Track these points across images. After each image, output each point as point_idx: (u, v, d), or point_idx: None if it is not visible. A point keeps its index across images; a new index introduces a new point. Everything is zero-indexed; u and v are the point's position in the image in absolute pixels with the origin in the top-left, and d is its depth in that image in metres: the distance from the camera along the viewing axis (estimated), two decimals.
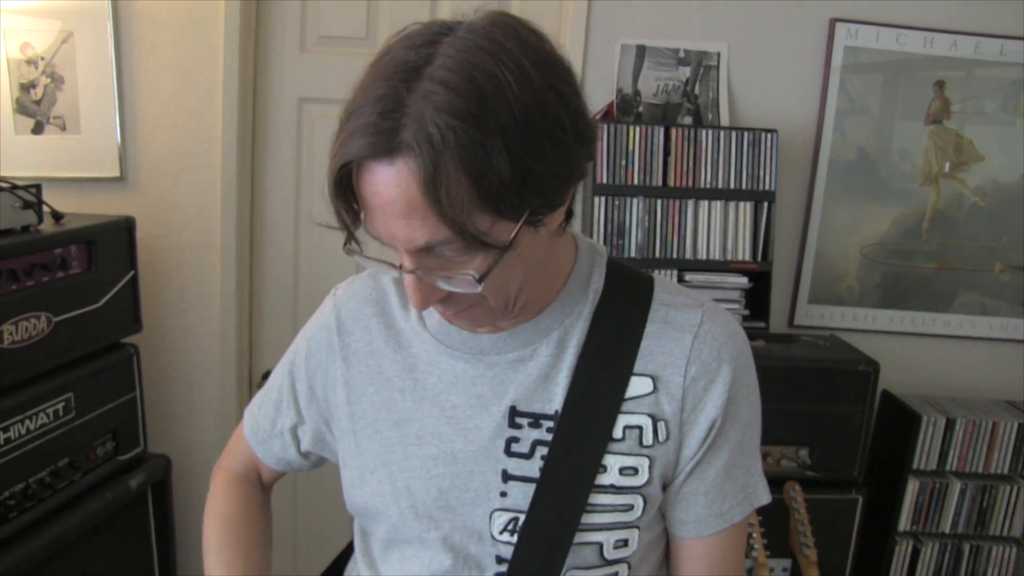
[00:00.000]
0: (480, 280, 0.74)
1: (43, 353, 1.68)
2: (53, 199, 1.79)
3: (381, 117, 0.68)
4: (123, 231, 1.92)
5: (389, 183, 0.69)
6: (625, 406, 0.86)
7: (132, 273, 1.94)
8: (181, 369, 2.25)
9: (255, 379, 2.32)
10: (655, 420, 0.86)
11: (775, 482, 1.95)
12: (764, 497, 0.93)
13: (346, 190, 0.73)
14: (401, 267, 0.75)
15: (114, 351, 1.91)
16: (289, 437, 1.04)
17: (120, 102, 2.11)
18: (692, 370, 0.86)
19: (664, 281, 0.93)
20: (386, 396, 0.93)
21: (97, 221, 1.85)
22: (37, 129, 2.09)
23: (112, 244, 1.88)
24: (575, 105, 0.74)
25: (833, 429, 2.04)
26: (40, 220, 1.72)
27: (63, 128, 2.10)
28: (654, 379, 0.86)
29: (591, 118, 0.77)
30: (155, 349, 2.20)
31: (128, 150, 2.15)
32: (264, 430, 1.06)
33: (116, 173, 2.14)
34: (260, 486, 1.11)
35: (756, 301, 2.15)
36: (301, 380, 1.01)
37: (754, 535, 1.85)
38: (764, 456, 1.99)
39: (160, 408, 2.23)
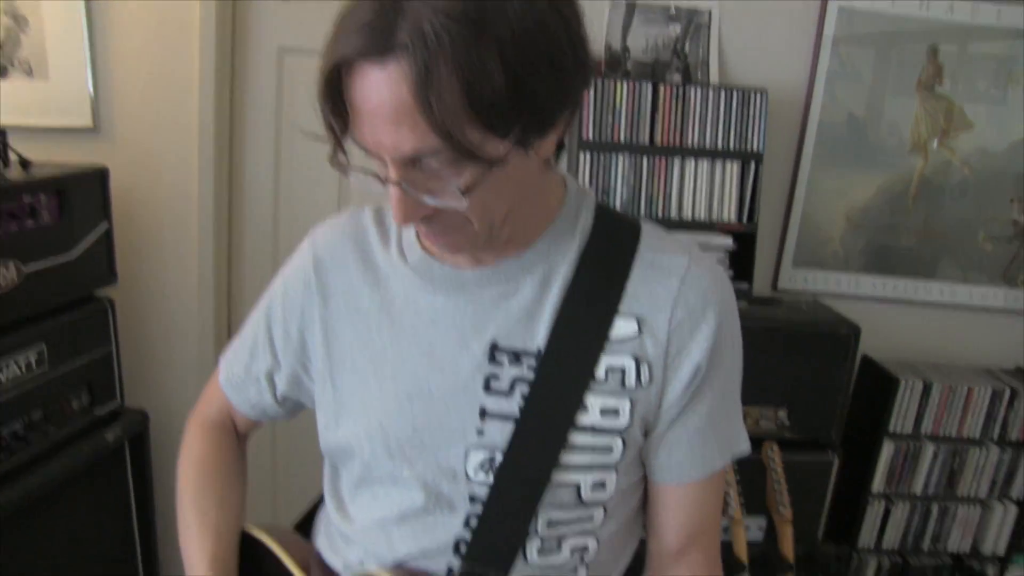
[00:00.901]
0: (465, 193, 0.72)
1: (13, 303, 1.64)
2: (21, 148, 1.73)
3: (377, 16, 0.67)
4: (96, 181, 1.87)
5: (380, 85, 0.67)
6: (609, 347, 0.85)
7: (106, 224, 1.89)
8: (159, 323, 2.22)
9: (234, 332, 2.26)
10: (639, 362, 0.85)
11: (753, 442, 1.97)
12: (744, 445, 0.93)
13: (335, 94, 0.71)
14: (386, 179, 0.73)
15: (89, 303, 1.88)
16: (264, 382, 1.02)
17: (91, 47, 2.03)
18: (678, 314, 0.85)
19: (652, 226, 0.92)
20: (363, 334, 0.91)
21: (68, 171, 1.80)
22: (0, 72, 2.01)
23: (84, 195, 1.83)
24: (576, 31, 0.73)
25: (812, 391, 2.05)
26: (6, 165, 1.66)
27: (29, 73, 2.02)
28: (639, 321, 0.85)
29: (591, 47, 0.76)
30: (132, 302, 2.16)
31: (101, 99, 2.08)
32: (239, 376, 1.04)
33: (89, 123, 2.07)
34: (235, 434, 1.10)
35: (740, 262, 2.14)
36: (277, 322, 0.99)
37: (731, 493, 1.87)
38: (743, 416, 2.01)
39: (137, 362, 2.20)
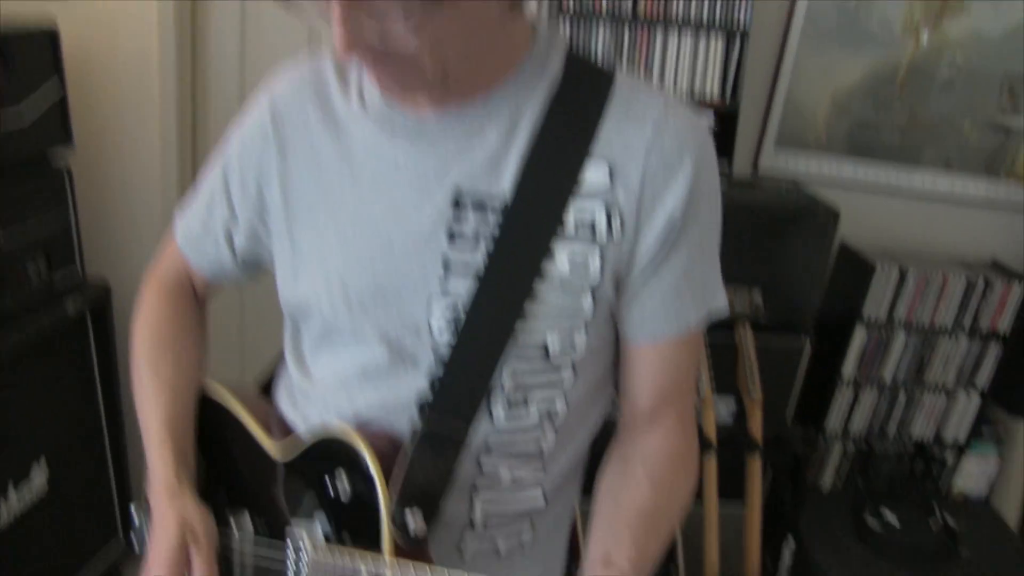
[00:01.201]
0: (414, 30, 0.68)
1: None
2: None
3: None
4: (44, 41, 1.76)
5: None
6: (579, 194, 0.81)
7: (58, 85, 1.79)
8: (120, 190, 2.13)
9: None
10: (610, 212, 0.81)
11: (726, 323, 1.99)
12: (721, 302, 0.89)
13: None
14: (328, 10, 0.68)
15: (44, 168, 1.80)
16: (222, 239, 0.98)
17: None
18: (652, 160, 0.80)
19: (626, 73, 0.86)
20: (323, 185, 0.87)
21: (12, 29, 1.68)
22: None
23: (32, 55, 1.72)
24: None
25: (788, 275, 2.04)
26: None
27: None
28: (611, 169, 0.81)
29: None
30: (91, 169, 2.07)
31: None
32: (195, 232, 1.01)
33: None
34: (193, 295, 1.07)
35: (721, 141, 2.09)
36: (234, 175, 0.95)
37: (703, 373, 1.87)
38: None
39: (98, 232, 2.12)
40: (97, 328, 1.96)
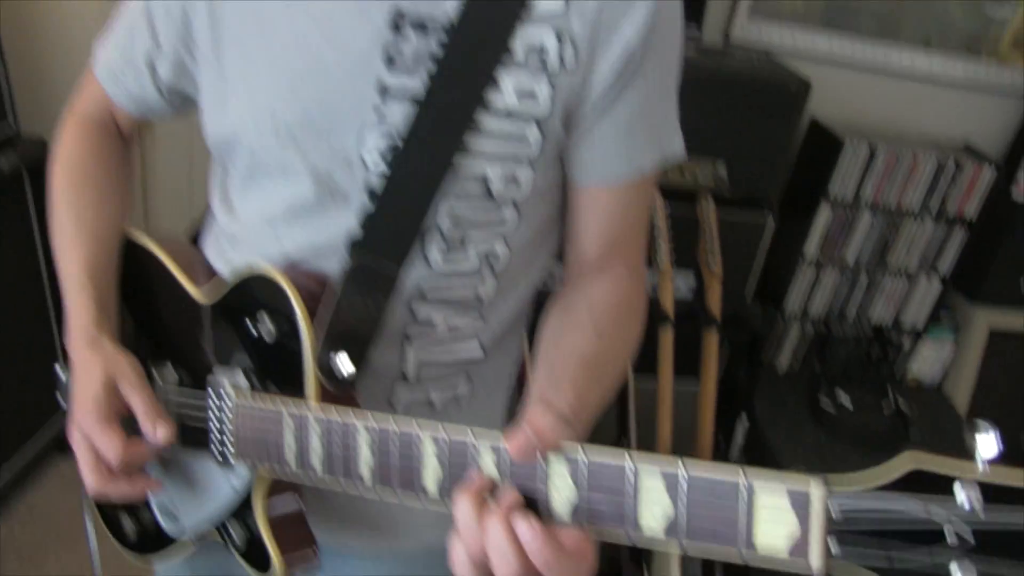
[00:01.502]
0: None
1: None
2: None
3: None
4: None
5: None
6: (529, 19, 0.75)
7: None
8: (53, 36, 1.99)
9: None
10: (561, 40, 0.75)
11: (688, 195, 1.94)
12: (677, 147, 0.85)
13: None
14: None
15: None
16: (144, 68, 0.91)
17: None
18: None
19: None
20: (253, 5, 0.80)
21: None
22: None
23: None
24: None
25: (755, 148, 1.99)
26: None
27: None
28: None
29: None
30: (19, 14, 1.92)
31: None
32: (116, 63, 0.93)
33: None
34: (118, 134, 1.00)
35: (691, 7, 1.99)
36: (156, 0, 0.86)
37: (662, 244, 1.83)
38: (680, 169, 1.94)
39: (32, 83, 1.99)
40: (35, 185, 1.87)
